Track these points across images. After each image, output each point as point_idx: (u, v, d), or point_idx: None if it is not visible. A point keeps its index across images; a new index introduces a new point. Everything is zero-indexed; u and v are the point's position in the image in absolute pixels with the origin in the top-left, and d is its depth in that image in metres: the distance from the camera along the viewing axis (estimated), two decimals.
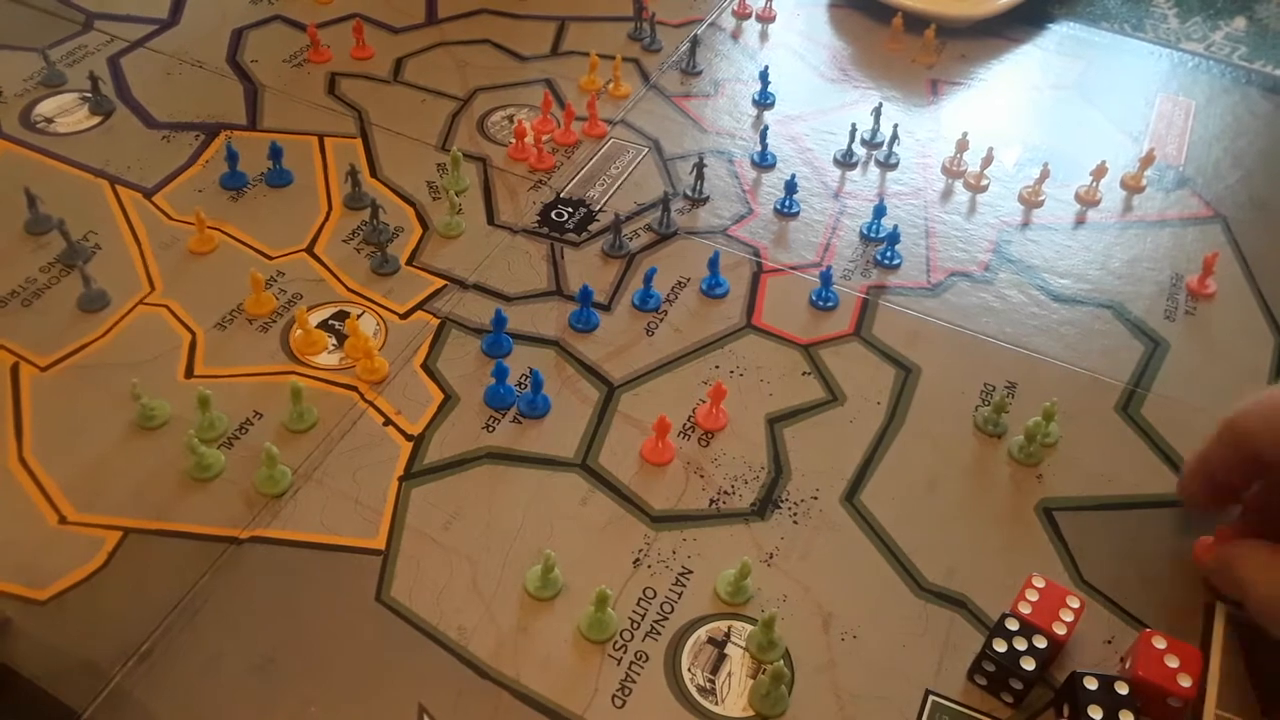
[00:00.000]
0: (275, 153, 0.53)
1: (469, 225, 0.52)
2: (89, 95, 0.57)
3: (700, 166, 0.54)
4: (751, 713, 0.35)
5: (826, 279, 0.49)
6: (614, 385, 0.45)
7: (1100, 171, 0.55)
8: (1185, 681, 0.34)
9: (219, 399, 0.42)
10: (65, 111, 0.56)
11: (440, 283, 0.49)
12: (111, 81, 0.59)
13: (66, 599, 0.37)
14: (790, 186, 0.54)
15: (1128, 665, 0.36)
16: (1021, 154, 0.58)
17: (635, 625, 0.37)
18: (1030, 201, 0.55)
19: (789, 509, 0.41)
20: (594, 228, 0.52)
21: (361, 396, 0.44)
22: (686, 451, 0.43)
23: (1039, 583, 0.37)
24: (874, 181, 0.56)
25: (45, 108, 0.57)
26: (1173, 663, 0.34)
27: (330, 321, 0.47)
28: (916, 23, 0.65)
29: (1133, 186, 0.56)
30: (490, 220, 0.52)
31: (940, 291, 0.50)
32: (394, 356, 0.45)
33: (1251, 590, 0.36)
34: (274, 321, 0.46)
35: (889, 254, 0.51)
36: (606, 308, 0.48)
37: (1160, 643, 0.35)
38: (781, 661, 0.35)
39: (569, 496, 0.41)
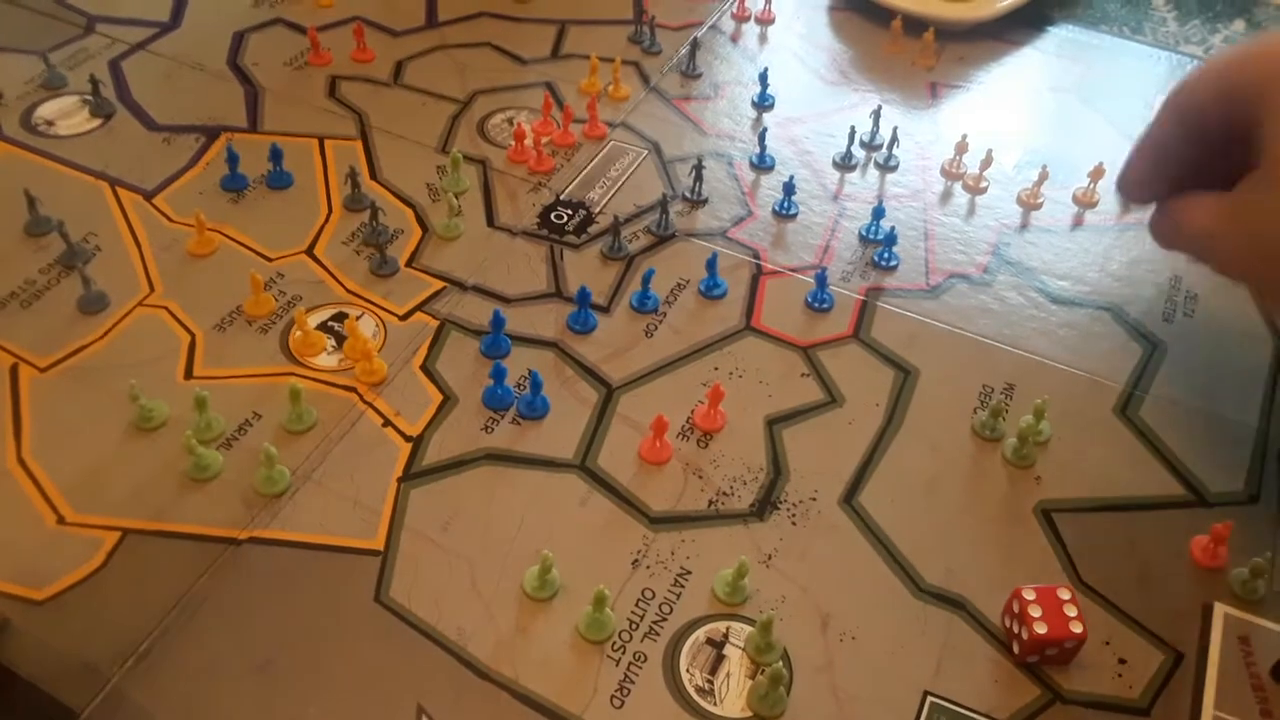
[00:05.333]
0: (275, 155, 0.53)
1: (468, 227, 0.52)
2: (90, 98, 0.57)
3: (699, 168, 0.54)
4: (750, 713, 0.35)
5: (822, 280, 0.49)
6: (613, 387, 0.45)
7: (1098, 173, 0.55)
8: (1076, 628, 0.36)
9: (218, 400, 0.42)
10: (66, 114, 0.57)
11: (439, 284, 0.49)
12: (112, 84, 0.59)
13: (65, 599, 0.37)
14: (789, 188, 0.54)
15: (1017, 629, 0.36)
16: (1021, 156, 0.58)
17: (634, 626, 0.37)
18: (1029, 204, 0.55)
19: (788, 510, 0.41)
20: (593, 230, 0.52)
21: (360, 398, 0.44)
22: (685, 453, 0.43)
23: (1030, 594, 0.37)
24: (873, 184, 0.56)
25: (46, 110, 0.57)
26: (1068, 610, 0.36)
27: (329, 323, 0.47)
28: (916, 25, 0.66)
29: None
30: (490, 222, 0.52)
31: (939, 293, 0.50)
32: (393, 358, 0.45)
33: (1189, 226, 0.40)
34: (273, 323, 0.47)
35: (885, 255, 0.51)
36: (605, 309, 0.48)
37: (1031, 594, 0.37)
38: (780, 663, 0.35)
39: (568, 497, 0.41)
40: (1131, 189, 0.44)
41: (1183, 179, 0.42)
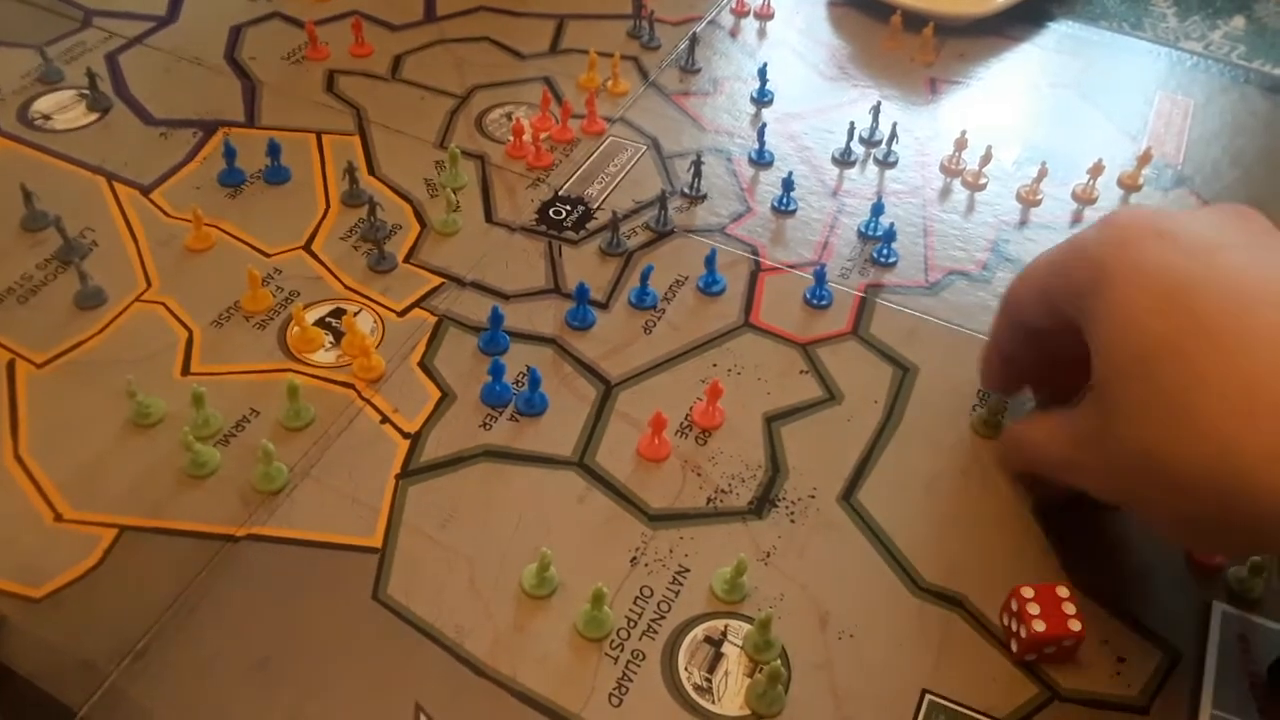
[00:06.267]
0: (273, 150, 0.53)
1: (466, 223, 0.52)
2: (86, 92, 0.57)
3: (698, 164, 0.54)
4: (748, 712, 0.35)
5: (820, 277, 0.49)
6: (611, 383, 0.45)
7: (1097, 170, 0.55)
8: (1075, 625, 0.36)
9: (215, 396, 0.42)
10: (63, 108, 0.56)
11: (438, 280, 0.49)
12: (109, 78, 0.58)
13: (62, 597, 0.37)
14: (788, 185, 0.53)
15: (1016, 627, 0.37)
16: (1020, 152, 0.58)
17: (632, 624, 0.37)
18: (1028, 200, 0.55)
19: (786, 508, 0.41)
20: (592, 225, 0.52)
21: (358, 394, 0.44)
22: (684, 450, 0.43)
23: (1028, 593, 0.37)
24: (872, 180, 0.56)
25: (43, 104, 0.56)
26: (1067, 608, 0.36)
27: (327, 319, 0.47)
28: (915, 21, 0.65)
29: (1130, 185, 0.56)
30: (488, 218, 0.52)
31: (938, 290, 0.50)
32: (391, 354, 0.45)
33: (1041, 454, 0.39)
34: (271, 319, 0.46)
35: (885, 251, 0.51)
36: (604, 306, 0.48)
37: (1029, 592, 0.37)
38: (778, 661, 0.35)
39: (566, 494, 0.41)
40: (988, 383, 0.44)
41: (1029, 374, 0.43)
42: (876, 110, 0.58)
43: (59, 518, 0.39)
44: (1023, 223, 0.54)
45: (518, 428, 0.43)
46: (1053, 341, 0.38)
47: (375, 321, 0.47)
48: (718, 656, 0.36)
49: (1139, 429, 0.32)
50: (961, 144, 0.56)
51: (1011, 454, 0.43)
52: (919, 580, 0.39)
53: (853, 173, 0.57)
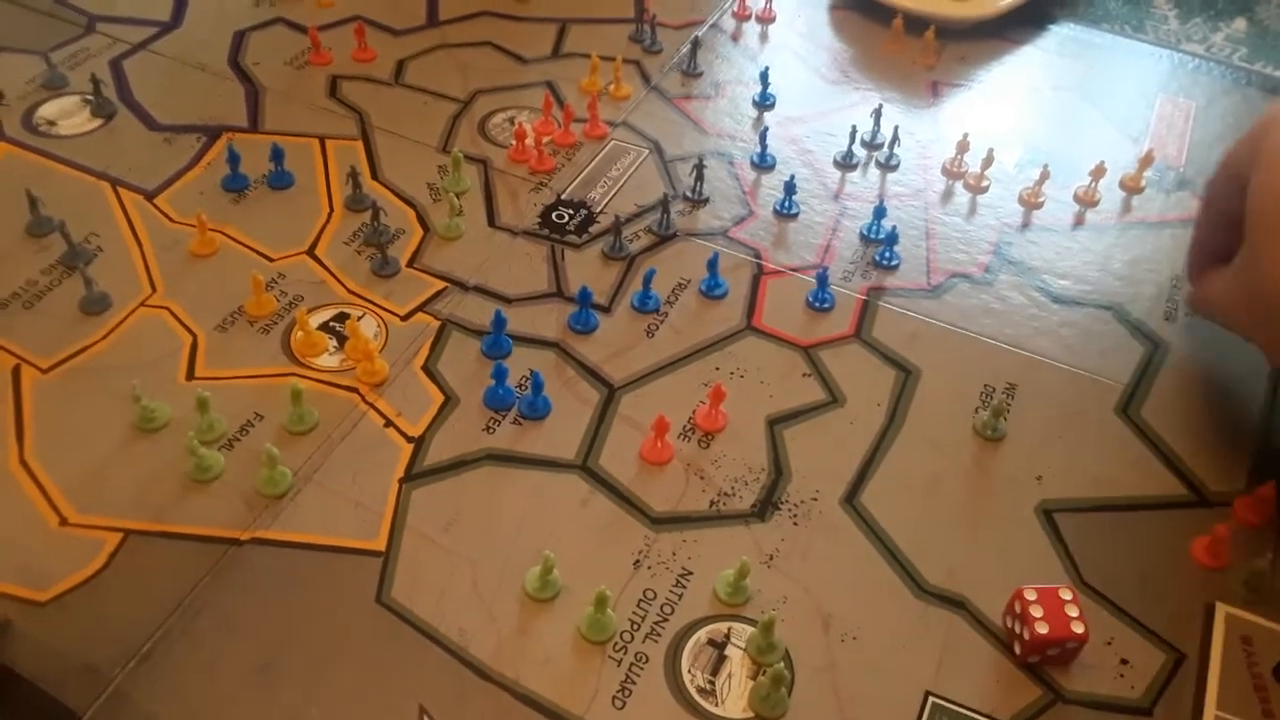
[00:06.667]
0: (277, 155, 0.53)
1: (469, 227, 0.52)
2: (91, 98, 0.57)
3: (700, 168, 0.54)
4: (751, 714, 0.35)
5: (823, 280, 0.49)
6: (614, 387, 0.45)
7: (1099, 172, 0.55)
8: (1078, 628, 0.36)
9: (219, 401, 0.42)
10: (67, 114, 0.57)
11: (441, 284, 0.49)
12: (113, 84, 0.59)
13: (67, 601, 0.37)
14: (790, 188, 0.54)
15: (1019, 629, 0.37)
16: (1022, 155, 0.58)
17: (635, 626, 0.37)
18: (1030, 203, 0.55)
19: (789, 510, 0.41)
20: (594, 229, 0.52)
21: (362, 398, 0.44)
22: (686, 453, 0.43)
23: (1031, 595, 0.37)
24: (874, 183, 0.56)
25: (47, 110, 0.57)
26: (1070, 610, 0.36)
27: (331, 323, 0.47)
28: (917, 24, 0.66)
29: (1132, 187, 0.56)
30: (491, 222, 0.52)
31: (940, 293, 0.50)
32: (394, 358, 0.45)
33: (1208, 301, 0.46)
34: (275, 323, 0.47)
35: (887, 255, 0.51)
36: (607, 309, 0.48)
37: (1032, 594, 0.37)
38: (781, 663, 0.35)
39: (569, 498, 0.41)
40: (1189, 276, 0.48)
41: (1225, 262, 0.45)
42: (878, 113, 0.58)
43: (64, 522, 0.39)
44: (1025, 225, 0.54)
45: (521, 431, 0.43)
46: (1237, 230, 0.42)
47: (379, 326, 0.47)
48: (721, 659, 0.37)
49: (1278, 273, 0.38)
50: (963, 147, 0.56)
51: (1191, 303, 0.48)
52: (922, 582, 0.39)
53: (854, 176, 0.57)
